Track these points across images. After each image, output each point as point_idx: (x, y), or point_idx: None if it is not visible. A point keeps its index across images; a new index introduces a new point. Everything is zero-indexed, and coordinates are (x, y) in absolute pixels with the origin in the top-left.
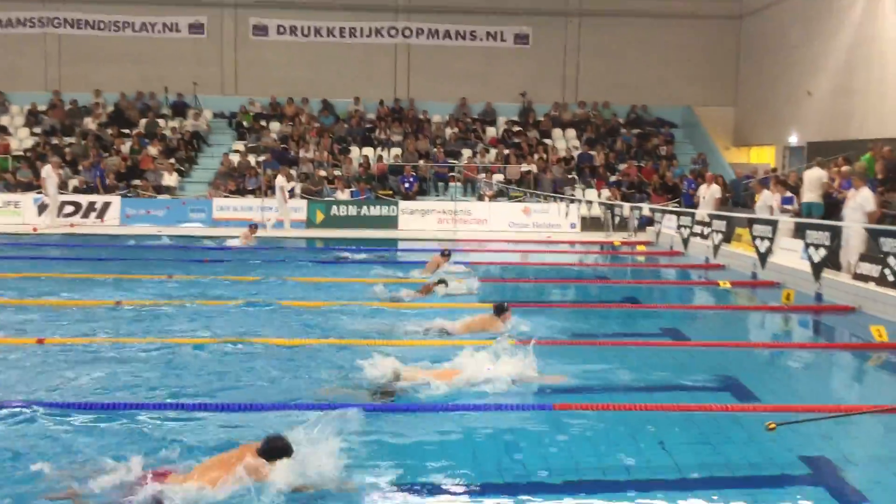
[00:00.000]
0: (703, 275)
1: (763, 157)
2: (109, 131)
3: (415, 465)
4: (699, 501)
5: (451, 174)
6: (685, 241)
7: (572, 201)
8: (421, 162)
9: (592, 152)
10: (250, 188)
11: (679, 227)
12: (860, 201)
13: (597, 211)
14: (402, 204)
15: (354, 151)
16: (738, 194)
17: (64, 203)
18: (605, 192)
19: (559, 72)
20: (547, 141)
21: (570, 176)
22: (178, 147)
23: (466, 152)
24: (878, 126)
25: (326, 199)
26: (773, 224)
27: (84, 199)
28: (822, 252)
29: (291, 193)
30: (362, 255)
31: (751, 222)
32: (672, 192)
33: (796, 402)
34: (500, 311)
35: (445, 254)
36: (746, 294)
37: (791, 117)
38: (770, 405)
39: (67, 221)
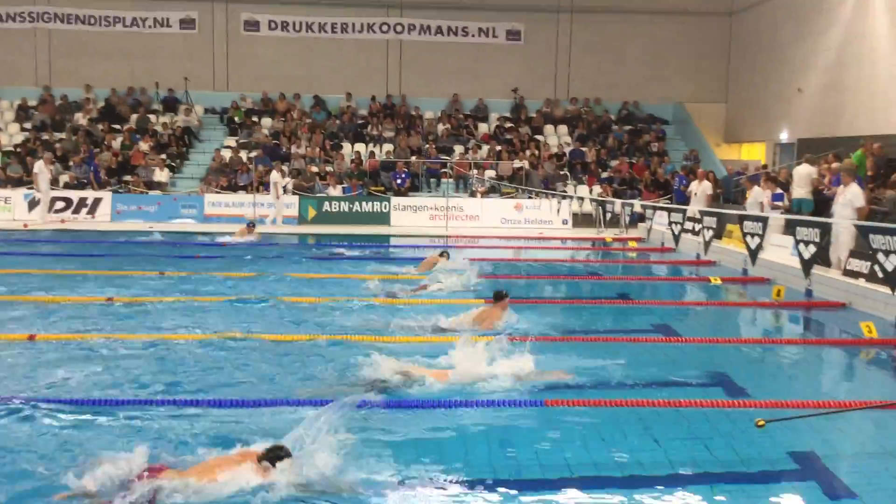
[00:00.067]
0: (695, 271)
1: (754, 153)
2: (100, 127)
3: (407, 460)
4: (690, 497)
5: (443, 170)
6: (676, 238)
7: (564, 198)
8: (413, 158)
9: (584, 148)
10: (242, 184)
11: (670, 223)
12: (849, 197)
13: (588, 207)
14: (394, 200)
15: (346, 147)
16: (729, 191)
17: (55, 199)
18: (597, 189)
19: (551, 68)
20: (539, 137)
21: (561, 172)
22: (169, 143)
23: (458, 148)
24: (868, 123)
25: (318, 195)
26: (764, 220)
27: (75, 195)
28: (812, 248)
29: (284, 189)
30: (356, 252)
31: (741, 219)
32: (663, 189)
33: (787, 398)
34: (498, 298)
35: (444, 254)
36: (737, 290)
37: (782, 114)
38: (760, 401)
39: (58, 217)
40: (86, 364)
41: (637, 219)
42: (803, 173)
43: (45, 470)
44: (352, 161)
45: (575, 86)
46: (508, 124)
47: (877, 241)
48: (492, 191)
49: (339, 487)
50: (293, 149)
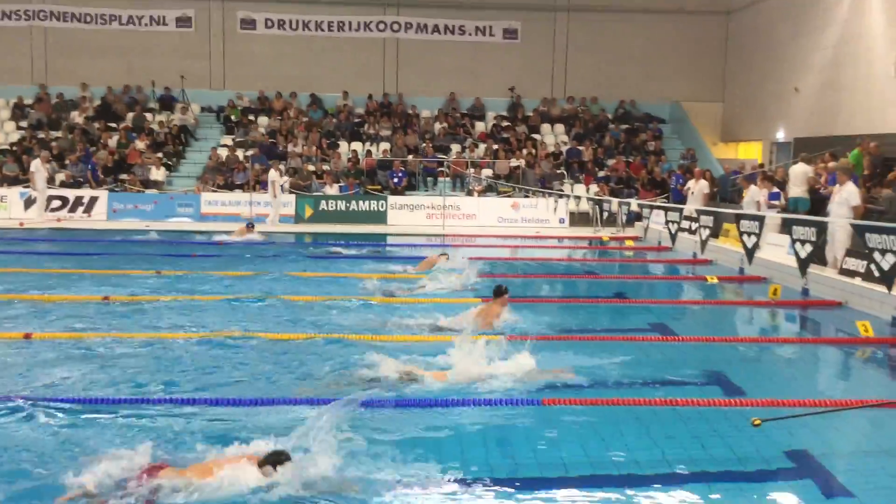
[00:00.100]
0: (691, 270)
1: (750, 152)
2: (96, 125)
3: (406, 460)
4: (686, 495)
5: (440, 169)
6: (673, 237)
7: (561, 196)
8: (410, 157)
9: (581, 147)
10: (238, 183)
11: (667, 222)
12: (845, 196)
13: (585, 206)
14: (391, 199)
15: (343, 146)
16: (726, 190)
17: (51, 197)
18: (594, 188)
19: (548, 67)
20: (535, 136)
21: (558, 171)
22: (165, 141)
23: (455, 147)
24: (864, 122)
25: (315, 194)
26: (760, 219)
27: (71, 194)
28: (809, 247)
29: (282, 188)
30: (354, 251)
31: (738, 218)
32: (660, 188)
33: (783, 396)
34: (498, 293)
35: (444, 255)
36: (733, 289)
37: (778, 113)
38: (757, 400)
39: (54, 216)
40: (82, 363)
41: (634, 218)
42: (799, 172)
43: (42, 469)
44: (348, 160)
45: (572, 85)
46: (505, 123)
47: (873, 240)
48: (489, 190)
49: (339, 487)
50: (290, 147)
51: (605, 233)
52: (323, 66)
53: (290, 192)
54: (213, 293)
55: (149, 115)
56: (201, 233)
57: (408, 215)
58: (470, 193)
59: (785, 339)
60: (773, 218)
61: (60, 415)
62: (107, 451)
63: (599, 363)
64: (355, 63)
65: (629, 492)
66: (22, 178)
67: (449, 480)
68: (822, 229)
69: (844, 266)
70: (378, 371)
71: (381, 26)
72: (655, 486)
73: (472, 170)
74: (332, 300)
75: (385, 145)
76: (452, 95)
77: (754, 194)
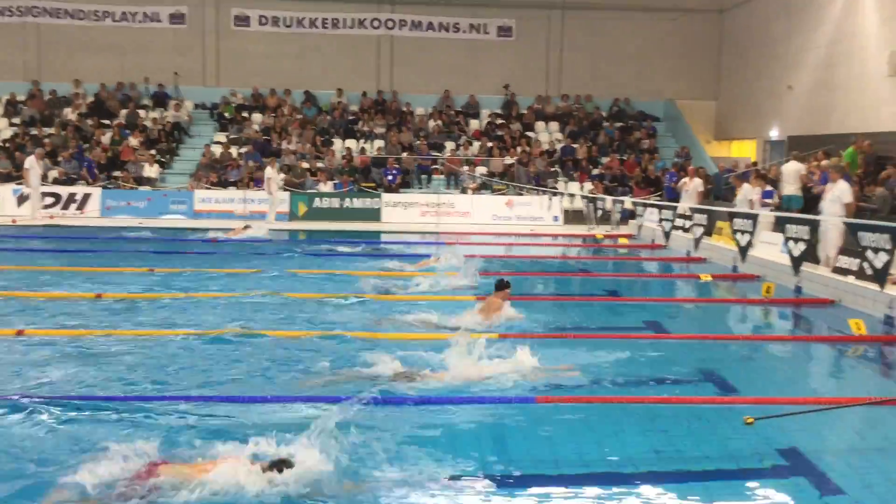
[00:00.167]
0: (685, 268)
1: (744, 150)
2: (89, 122)
3: (403, 459)
4: (679, 493)
5: (435, 167)
6: (667, 235)
7: (555, 194)
8: (404, 154)
9: (575, 145)
10: (232, 180)
11: (661, 220)
12: (837, 193)
13: (579, 204)
14: (385, 196)
15: (337, 143)
16: (719, 188)
17: (44, 194)
18: (588, 186)
19: (542, 64)
20: (530, 134)
21: (552, 169)
22: (159, 138)
23: (450, 145)
24: (858, 121)
25: (309, 191)
26: (754, 218)
27: (64, 191)
28: (802, 245)
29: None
30: (349, 248)
31: (731, 216)
32: (654, 186)
33: (776, 394)
34: (500, 287)
35: (435, 258)
36: (727, 287)
37: (772, 111)
38: (750, 397)
39: (47, 213)
40: (74, 360)
41: (628, 216)
42: (792, 170)
43: (35, 467)
44: (343, 157)
45: (566, 82)
46: (500, 121)
47: (866, 238)
48: (483, 187)
49: (339, 487)
50: (284, 145)
51: (600, 231)
52: (317, 63)
53: (284, 190)
54: (207, 290)
55: (142, 112)
56: (194, 230)
57: (402, 213)
58: (464, 191)
59: (778, 336)
60: (767, 216)
61: (54, 412)
62: (104, 449)
63: (593, 361)
64: (350, 60)
65: (623, 489)
66: (15, 175)
67: (443, 479)
68: (815, 227)
69: (837, 264)
70: (374, 369)
71: (376, 23)
72: (649, 483)
73: (466, 167)
74: (328, 297)
75: (379, 143)
76: (447, 93)
77: (747, 192)
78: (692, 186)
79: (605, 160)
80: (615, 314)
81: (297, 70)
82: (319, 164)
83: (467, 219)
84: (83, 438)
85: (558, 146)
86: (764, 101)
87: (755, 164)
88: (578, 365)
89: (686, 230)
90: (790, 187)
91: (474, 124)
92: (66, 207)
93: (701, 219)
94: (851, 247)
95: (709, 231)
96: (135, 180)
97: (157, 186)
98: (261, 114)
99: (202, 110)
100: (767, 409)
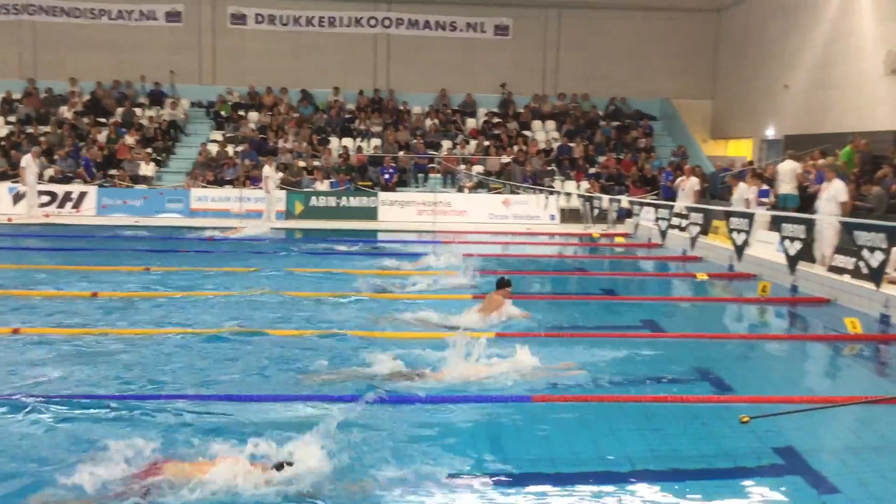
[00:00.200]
0: (681, 267)
1: (741, 149)
2: (85, 120)
3: (395, 456)
4: (675, 491)
5: (431, 165)
6: (663, 234)
7: (552, 193)
8: (401, 153)
9: (572, 144)
10: (228, 178)
11: (657, 219)
12: (833, 192)
13: (576, 203)
14: (382, 195)
15: (334, 142)
16: (716, 187)
17: (40, 192)
18: (585, 184)
19: (539, 63)
20: (526, 133)
21: (549, 168)
22: (155, 136)
23: (446, 143)
24: (854, 120)
25: (306, 190)
26: (750, 217)
27: (60, 189)
28: (798, 245)
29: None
30: (347, 247)
31: (728, 215)
32: (650, 185)
33: (772, 393)
34: (501, 285)
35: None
36: (723, 286)
37: (768, 110)
38: (746, 396)
39: (43, 211)
40: (70, 358)
41: (624, 214)
42: (787, 169)
43: (33, 466)
44: (339, 156)
45: (563, 81)
46: (496, 119)
47: (861, 237)
48: (480, 186)
49: (336, 486)
50: (280, 143)
51: (596, 229)
52: (314, 61)
53: (281, 188)
54: (203, 289)
55: (138, 111)
56: (190, 228)
57: (399, 211)
58: (461, 190)
59: (774, 335)
60: (763, 215)
61: (51, 411)
62: (101, 448)
63: (589, 360)
64: (346, 59)
65: (619, 488)
66: (11, 174)
67: (442, 477)
68: (811, 227)
69: (833, 263)
70: (373, 368)
71: (373, 22)
72: (645, 482)
73: (463, 166)
74: (326, 296)
75: (376, 141)
76: (443, 92)
77: (743, 192)
78: (689, 185)
79: (601, 159)
80: (611, 313)
81: (294, 68)
82: (316, 163)
83: (464, 217)
84: (80, 437)
85: (555, 145)
86: (760, 101)
87: (751, 163)
88: (575, 364)
89: (682, 229)
90: (786, 186)
91: (471, 123)
92: (61, 206)
93: (697, 218)
94: (847, 246)
95: (705, 230)
96: (131, 179)
97: (154, 185)
98: (257, 112)
99: (198, 109)
100: (763, 408)
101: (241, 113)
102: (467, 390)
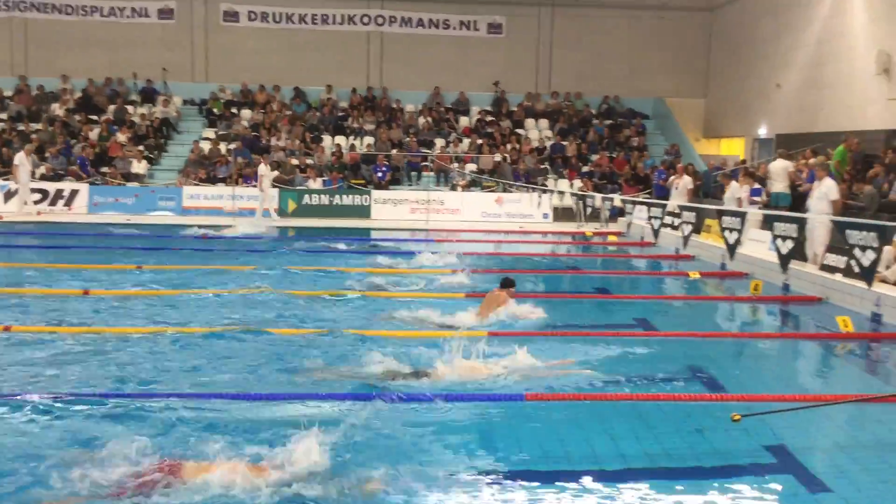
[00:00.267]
0: (674, 265)
1: (733, 148)
2: (77, 117)
3: (391, 454)
4: (667, 490)
5: (424, 164)
6: (656, 232)
7: (545, 191)
8: (394, 151)
9: (565, 143)
10: (221, 176)
11: (650, 217)
12: (824, 191)
13: (569, 201)
14: (375, 193)
15: (327, 140)
16: (708, 186)
17: (31, 190)
18: (578, 183)
19: (532, 62)
20: (520, 131)
21: (542, 166)
22: (147, 134)
23: (439, 142)
24: (846, 119)
25: (298, 188)
26: (742, 216)
27: (52, 187)
28: (790, 243)
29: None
30: (341, 245)
31: (720, 214)
32: (643, 183)
33: (763, 391)
34: (505, 285)
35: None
36: (715, 285)
37: (761, 109)
38: (737, 395)
39: (34, 209)
40: (61, 357)
41: (617, 213)
42: (779, 168)
43: (27, 466)
44: (332, 154)
45: (556, 80)
46: (489, 118)
47: (853, 236)
48: (473, 184)
49: (335, 485)
50: (273, 141)
51: (589, 228)
52: (307, 59)
53: (273, 186)
54: (196, 287)
55: (130, 108)
56: (182, 226)
57: (392, 210)
58: (454, 188)
59: (766, 334)
60: (755, 214)
61: (42, 409)
62: (95, 447)
63: (582, 358)
64: (339, 56)
65: (611, 486)
66: (2, 171)
67: (433, 475)
68: (802, 225)
69: (825, 262)
70: (368, 367)
71: (366, 20)
72: (637, 480)
73: (456, 164)
74: (321, 294)
75: (369, 139)
76: (437, 90)
77: (735, 191)
78: (682, 184)
79: (594, 157)
80: (604, 311)
81: (287, 66)
82: (309, 161)
83: (457, 216)
84: (73, 436)
85: (548, 143)
86: (753, 100)
87: (744, 161)
88: (573, 360)
89: (675, 228)
90: (778, 185)
91: (464, 121)
92: (53, 204)
93: (690, 216)
94: (839, 245)
95: (697, 229)
96: (123, 176)
97: (146, 183)
98: (250, 110)
99: (191, 106)
100: (755, 407)
101: (234, 110)
102: (463, 389)
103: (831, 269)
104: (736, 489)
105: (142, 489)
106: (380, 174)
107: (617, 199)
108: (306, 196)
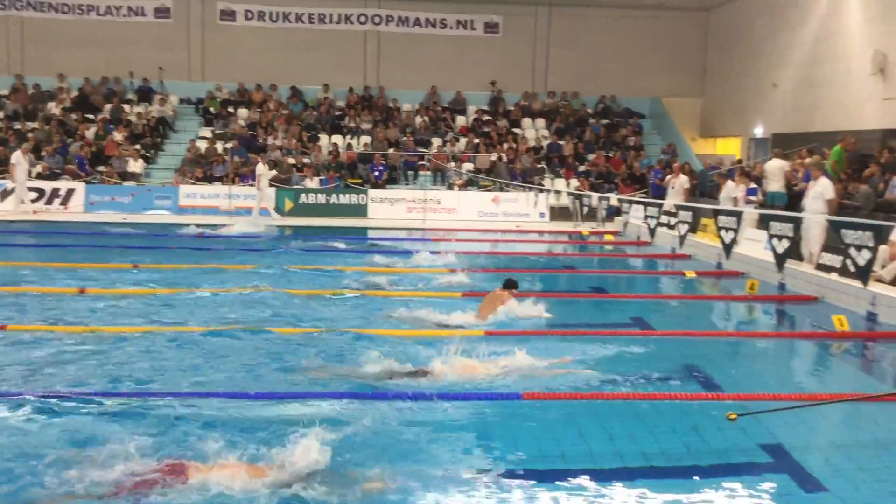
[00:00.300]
0: (670, 265)
1: (729, 148)
2: (74, 116)
3: (389, 453)
4: (663, 489)
5: (421, 163)
6: (652, 232)
7: (541, 191)
8: (391, 150)
9: (561, 142)
10: (217, 175)
11: (646, 217)
12: (819, 190)
13: (565, 201)
14: (372, 192)
15: (324, 139)
16: (705, 185)
17: (27, 189)
18: (574, 182)
19: (529, 61)
20: (516, 130)
21: (539, 166)
22: (143, 133)
23: (436, 141)
24: (842, 118)
25: (295, 187)
26: (738, 215)
27: (48, 186)
28: (786, 243)
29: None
30: (340, 244)
31: (716, 213)
32: (640, 183)
33: (759, 390)
34: (508, 286)
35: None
36: (711, 284)
37: (757, 109)
38: (733, 394)
39: (31, 208)
40: (56, 355)
41: (613, 212)
42: (775, 167)
43: (24, 465)
44: (329, 153)
45: (553, 79)
46: (486, 117)
47: (849, 236)
48: (469, 184)
49: (334, 484)
50: (270, 140)
51: (585, 227)
52: (303, 58)
53: (270, 185)
54: (192, 286)
55: (127, 107)
56: (178, 225)
57: (388, 209)
58: (451, 187)
59: (761, 333)
60: (751, 213)
61: (38, 408)
62: (92, 447)
63: (578, 357)
64: (336, 56)
65: (608, 485)
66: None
67: (430, 474)
68: (798, 225)
69: (821, 261)
70: (365, 366)
71: (363, 19)
72: (632, 479)
73: (452, 164)
74: (318, 293)
75: (366, 139)
76: (433, 89)
77: (731, 190)
78: (678, 183)
79: (591, 157)
80: (600, 310)
81: (284, 65)
82: (305, 160)
83: (454, 215)
84: (70, 435)
85: (545, 143)
86: (749, 99)
87: (740, 161)
88: (571, 359)
89: (671, 227)
90: (774, 184)
91: (461, 121)
92: (49, 202)
93: (686, 216)
94: (834, 244)
95: (694, 228)
96: (119, 175)
97: (142, 182)
98: (246, 109)
99: (187, 105)
100: (750, 406)
101: (231, 110)
102: (460, 388)
103: (827, 269)
104: (732, 488)
105: (140, 489)
106: (376, 173)
107: (613, 198)
108: (303, 195)
